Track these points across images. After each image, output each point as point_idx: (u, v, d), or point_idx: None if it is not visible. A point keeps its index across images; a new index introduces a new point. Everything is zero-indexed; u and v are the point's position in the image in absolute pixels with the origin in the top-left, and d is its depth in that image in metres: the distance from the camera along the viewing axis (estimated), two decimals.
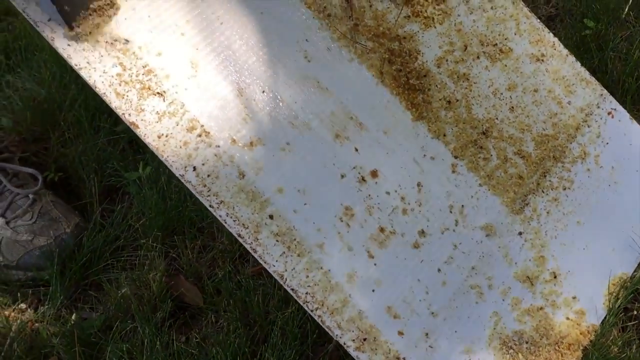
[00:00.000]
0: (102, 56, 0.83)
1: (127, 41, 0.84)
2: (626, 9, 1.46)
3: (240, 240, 0.85)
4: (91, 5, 0.81)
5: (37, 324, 1.02)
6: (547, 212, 1.02)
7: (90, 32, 0.82)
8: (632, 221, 1.07)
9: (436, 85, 1.01)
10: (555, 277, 1.00)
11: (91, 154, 1.21)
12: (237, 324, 1.02)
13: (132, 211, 1.15)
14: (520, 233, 1.00)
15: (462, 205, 0.98)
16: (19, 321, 1.02)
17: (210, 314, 1.05)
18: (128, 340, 1.00)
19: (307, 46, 0.95)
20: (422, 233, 0.95)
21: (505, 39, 1.08)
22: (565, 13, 1.54)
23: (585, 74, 1.12)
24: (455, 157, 0.99)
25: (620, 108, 1.12)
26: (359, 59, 0.98)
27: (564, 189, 1.05)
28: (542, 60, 1.10)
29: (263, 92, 0.91)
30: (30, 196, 1.13)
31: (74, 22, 0.79)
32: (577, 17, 1.50)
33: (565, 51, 1.12)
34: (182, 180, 0.85)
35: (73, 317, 1.02)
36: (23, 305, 1.06)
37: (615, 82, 1.30)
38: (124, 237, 1.13)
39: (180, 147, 0.85)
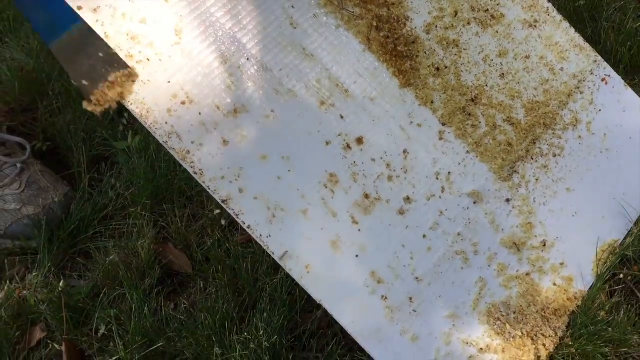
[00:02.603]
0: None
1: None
2: None
3: (224, 206, 0.90)
4: (109, 78, 0.84)
5: (24, 292, 1.08)
6: (536, 179, 1.06)
7: (107, 104, 0.86)
8: (624, 188, 1.10)
9: (425, 52, 1.05)
10: (543, 243, 1.04)
11: (79, 123, 1.26)
12: (225, 291, 1.07)
13: (121, 180, 1.20)
14: (507, 200, 1.04)
15: (449, 172, 1.02)
16: (6, 288, 1.07)
17: (199, 281, 1.10)
18: (116, 307, 1.06)
19: (293, 13, 0.99)
20: (407, 199, 0.99)
21: (497, 5, 1.11)
22: None
23: (580, 40, 1.15)
24: (443, 124, 1.03)
25: (614, 74, 1.15)
26: (346, 25, 1.01)
27: (554, 156, 1.08)
28: (535, 26, 1.12)
29: (248, 59, 0.94)
30: (18, 165, 1.18)
31: (92, 96, 0.83)
32: None
33: (559, 17, 1.14)
34: (166, 147, 0.89)
35: (61, 284, 1.07)
36: (11, 273, 1.12)
37: (609, 53, 1.33)
38: (113, 206, 1.18)
39: (164, 114, 0.89)
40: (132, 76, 0.86)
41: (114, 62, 0.84)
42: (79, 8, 0.88)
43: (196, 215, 1.18)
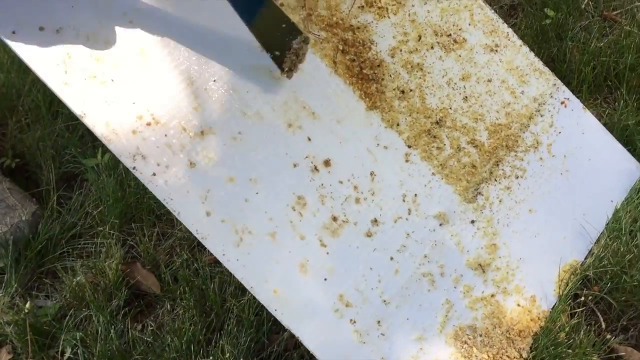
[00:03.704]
0: (48, 44, 0.81)
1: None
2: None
3: (191, 229, 0.85)
4: (293, 46, 0.88)
5: None
6: (500, 201, 1.04)
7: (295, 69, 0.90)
8: (584, 209, 1.09)
9: (390, 75, 1.02)
10: (506, 264, 1.01)
11: (49, 140, 1.19)
12: (193, 312, 1.02)
13: (90, 198, 1.14)
14: (472, 221, 1.01)
15: (415, 194, 0.99)
16: None
17: (166, 302, 1.04)
18: (83, 329, 1.00)
19: None
20: (374, 222, 0.95)
21: (460, 30, 1.09)
22: (527, 2, 1.55)
23: (539, 64, 1.13)
24: (409, 147, 1.00)
25: (573, 97, 1.14)
26: (313, 48, 0.98)
27: (517, 178, 1.06)
28: (496, 50, 1.11)
29: (214, 81, 0.90)
30: None
31: (283, 64, 0.88)
32: (538, 6, 1.51)
33: (519, 42, 1.13)
34: (131, 170, 0.84)
35: (27, 305, 1.01)
36: None
37: (573, 71, 1.32)
38: (81, 225, 1.12)
39: (129, 135, 0.84)
40: (306, 40, 0.88)
41: (292, 30, 0.85)
42: (41, 28, 0.82)
43: (165, 234, 1.12)
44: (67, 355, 0.99)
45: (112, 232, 1.10)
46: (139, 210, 1.14)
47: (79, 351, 0.97)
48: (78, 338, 0.98)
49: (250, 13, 0.82)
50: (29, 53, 0.82)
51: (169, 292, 1.06)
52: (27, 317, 0.99)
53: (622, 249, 1.02)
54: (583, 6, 1.46)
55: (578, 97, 1.26)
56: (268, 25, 0.82)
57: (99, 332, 0.98)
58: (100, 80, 0.84)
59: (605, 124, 1.21)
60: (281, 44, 0.83)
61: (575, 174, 1.10)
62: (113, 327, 0.99)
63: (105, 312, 1.00)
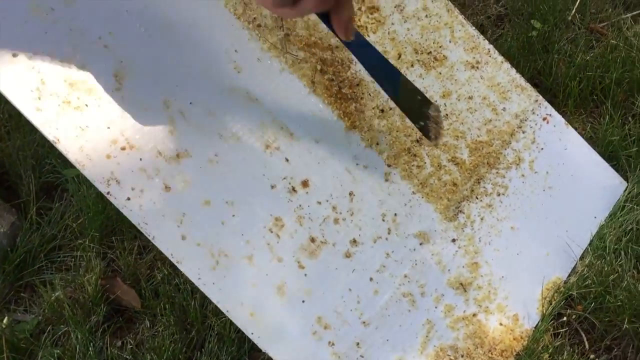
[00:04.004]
0: (21, 71, 0.80)
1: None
2: (573, 10, 1.46)
3: (166, 253, 0.84)
4: (431, 113, 0.86)
5: None
6: (481, 219, 1.02)
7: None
8: (567, 225, 1.07)
9: (369, 94, 1.01)
10: (488, 283, 0.99)
11: (29, 149, 1.18)
12: (174, 329, 1.00)
13: (70, 210, 1.13)
14: (453, 240, 1.00)
15: (395, 214, 0.97)
16: None
17: (147, 318, 1.03)
18: (61, 345, 0.98)
19: (237, 57, 0.94)
20: (354, 242, 0.94)
21: (440, 47, 1.08)
22: (514, 13, 1.54)
23: (521, 80, 1.12)
24: (389, 166, 0.99)
25: (555, 113, 1.13)
26: (290, 69, 0.96)
27: (498, 195, 1.04)
28: (477, 67, 1.09)
29: (190, 103, 0.89)
30: None
31: (430, 133, 0.86)
32: (525, 17, 1.50)
33: (500, 58, 1.12)
34: (106, 195, 0.83)
35: (4, 321, 0.99)
36: None
37: (559, 85, 1.30)
38: (61, 237, 1.11)
39: (103, 160, 0.83)
40: (438, 109, 0.86)
41: (425, 100, 0.85)
42: (14, 55, 0.81)
43: (146, 247, 1.11)
44: None
45: (92, 245, 1.09)
46: (119, 223, 1.13)
47: None
48: (56, 356, 0.97)
49: (394, 85, 0.81)
50: (1, 79, 0.81)
51: (149, 308, 1.05)
52: (3, 333, 0.97)
53: (606, 269, 1.00)
54: (570, 18, 1.44)
55: (563, 112, 1.25)
56: (408, 97, 0.82)
57: (77, 349, 0.97)
58: (75, 105, 0.83)
59: (589, 139, 1.20)
60: (421, 114, 0.84)
61: (558, 191, 1.09)
62: (92, 344, 0.98)
63: (84, 328, 0.99)
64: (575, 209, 1.09)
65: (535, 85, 1.34)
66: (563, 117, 1.17)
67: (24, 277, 1.09)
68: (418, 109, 0.84)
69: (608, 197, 1.12)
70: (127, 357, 0.99)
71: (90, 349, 0.96)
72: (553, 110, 1.13)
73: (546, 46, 1.38)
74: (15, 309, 1.06)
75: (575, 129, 1.19)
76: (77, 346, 0.97)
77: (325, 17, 0.63)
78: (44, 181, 1.18)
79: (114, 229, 1.12)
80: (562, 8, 1.43)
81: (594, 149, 1.14)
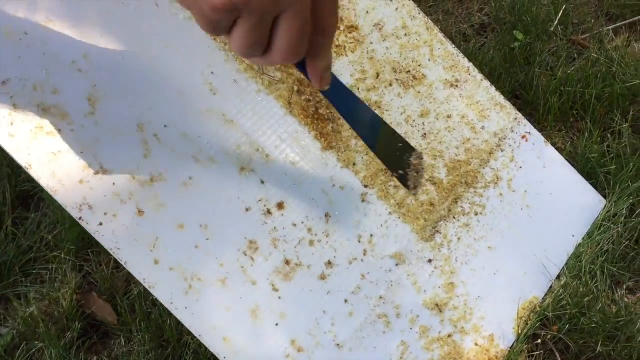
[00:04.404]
0: None
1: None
2: (556, 22, 1.44)
3: (138, 278, 0.83)
4: (412, 162, 0.80)
5: None
6: (458, 239, 1.01)
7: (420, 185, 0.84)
8: (545, 244, 1.06)
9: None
10: (464, 303, 0.98)
11: (4, 157, 1.16)
12: (149, 346, 0.99)
13: (46, 221, 1.12)
14: (430, 260, 0.98)
15: (371, 235, 0.96)
16: None
17: (122, 335, 1.02)
18: None
19: (213, 79, 0.92)
20: (329, 264, 0.93)
21: (419, 66, 1.06)
22: (497, 22, 1.52)
23: (500, 98, 1.10)
24: (365, 186, 0.97)
25: (534, 131, 1.11)
26: (267, 90, 0.95)
27: (476, 215, 1.03)
28: (457, 85, 1.08)
29: (165, 126, 0.88)
30: None
31: (408, 182, 0.79)
32: (508, 27, 1.48)
33: (480, 76, 1.10)
34: (78, 220, 0.82)
35: None
36: None
37: (540, 99, 1.29)
38: (37, 249, 1.10)
39: (76, 185, 0.82)
40: (421, 156, 0.80)
41: (407, 148, 0.79)
42: None
43: None
44: None
45: (68, 258, 1.08)
46: None
47: None
48: None
49: (373, 132, 0.80)
50: None
51: (125, 324, 1.04)
52: None
53: (581, 289, 0.98)
54: (552, 29, 1.42)
55: (544, 126, 1.23)
56: (387, 145, 0.78)
57: None
58: (47, 130, 0.82)
59: (569, 155, 1.18)
60: (401, 162, 0.80)
61: (536, 209, 1.07)
62: None
63: (58, 345, 0.98)
64: (553, 227, 1.07)
65: (516, 97, 1.33)
66: (543, 131, 1.15)
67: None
68: (398, 156, 0.82)
69: (587, 216, 1.11)
70: None
71: None
72: (532, 128, 1.12)
73: (528, 58, 1.37)
74: None
75: (555, 145, 1.17)
76: None
77: (300, 64, 0.62)
78: (20, 190, 1.17)
79: (90, 241, 1.11)
80: (544, 19, 1.41)
81: (574, 166, 1.13)
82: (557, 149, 1.17)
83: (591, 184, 1.12)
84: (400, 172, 0.84)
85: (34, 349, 1.00)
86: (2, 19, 0.82)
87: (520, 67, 1.34)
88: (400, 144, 0.85)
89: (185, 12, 0.93)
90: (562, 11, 1.43)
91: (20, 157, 0.80)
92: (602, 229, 1.05)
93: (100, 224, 0.82)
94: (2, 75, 0.81)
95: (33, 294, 1.05)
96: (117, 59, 0.88)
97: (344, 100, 0.76)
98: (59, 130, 0.83)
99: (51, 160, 0.81)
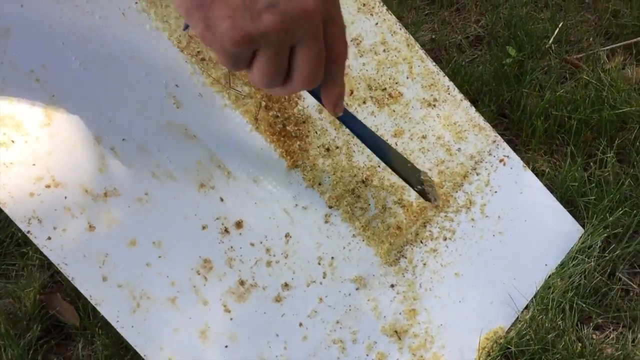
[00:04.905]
0: None
1: None
2: (551, 39, 1.37)
3: (85, 294, 0.80)
4: (422, 179, 0.84)
5: None
6: (424, 264, 0.96)
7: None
8: (515, 273, 1.01)
9: (316, 132, 0.95)
10: (425, 330, 0.94)
11: None
12: (110, 351, 0.97)
13: None
14: (392, 285, 0.94)
15: (332, 257, 0.92)
16: None
17: (83, 338, 0.99)
18: None
19: (177, 92, 0.88)
20: (285, 286, 0.89)
21: (396, 83, 1.01)
22: (492, 36, 1.46)
23: (479, 119, 1.05)
24: (330, 207, 0.93)
25: (513, 155, 1.06)
26: (233, 105, 0.91)
27: (445, 240, 0.98)
28: (434, 105, 1.03)
29: (123, 139, 0.84)
30: None
31: (429, 196, 0.84)
32: (502, 41, 1.41)
33: (460, 96, 1.04)
34: (26, 234, 0.79)
35: None
36: None
37: (526, 120, 1.22)
38: (7, 245, 1.08)
39: (26, 197, 0.79)
40: (426, 174, 0.84)
41: (414, 167, 0.82)
42: None
43: None
44: None
45: (36, 255, 1.06)
46: None
47: None
48: None
49: (386, 155, 0.79)
50: None
51: (87, 328, 1.02)
52: None
53: (547, 325, 0.93)
54: (547, 46, 1.35)
55: (527, 148, 1.17)
56: (400, 165, 0.80)
57: None
58: (0, 141, 0.79)
59: (549, 180, 1.12)
60: (416, 179, 0.82)
61: (509, 236, 1.02)
62: None
63: (17, 344, 0.96)
64: (525, 256, 1.02)
65: (503, 116, 1.27)
66: (525, 154, 1.10)
67: None
68: (411, 175, 0.82)
69: (562, 244, 1.05)
70: None
71: None
72: (512, 151, 1.06)
73: (519, 76, 1.30)
74: None
75: (537, 169, 1.12)
76: None
77: (314, 91, 0.60)
78: None
79: None
80: (540, 35, 1.34)
81: (553, 192, 1.07)
82: (538, 173, 1.12)
83: (570, 212, 1.06)
84: (419, 187, 0.83)
85: None
86: None
87: (510, 85, 1.27)
88: (409, 164, 0.83)
89: (153, 22, 0.89)
90: (558, 28, 1.35)
91: None
92: (575, 260, 1.00)
93: (49, 238, 0.79)
94: None
95: None
96: (78, 70, 0.84)
97: (356, 125, 0.75)
98: (12, 142, 0.80)
99: (2, 172, 0.79)
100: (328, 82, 0.53)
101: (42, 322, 1.02)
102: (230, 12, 0.42)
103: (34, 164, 0.80)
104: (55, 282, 1.07)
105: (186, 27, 0.59)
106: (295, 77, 0.49)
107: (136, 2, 0.87)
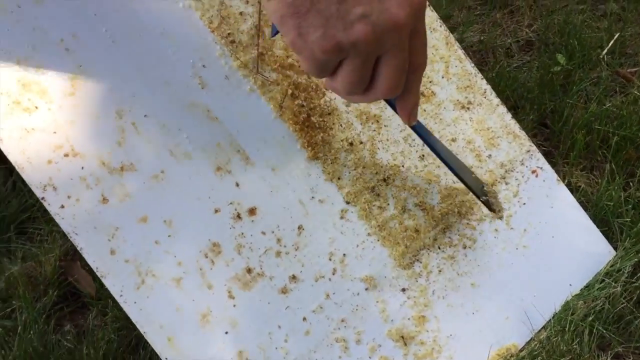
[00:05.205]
0: None
1: None
2: (605, 50, 1.29)
3: (92, 266, 0.79)
4: (486, 190, 0.87)
5: None
6: (439, 270, 0.92)
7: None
8: (535, 290, 0.95)
9: (341, 125, 0.91)
10: (433, 339, 0.90)
11: None
12: (121, 323, 0.97)
13: None
14: (403, 289, 0.90)
15: (344, 254, 0.89)
16: None
17: (97, 308, 1.00)
18: (14, 319, 0.98)
19: (204, 72, 0.87)
20: (293, 278, 0.86)
21: (430, 82, 0.97)
22: (542, 41, 1.38)
23: (515, 127, 0.99)
24: (347, 203, 0.90)
25: (547, 167, 0.99)
26: (259, 90, 0.89)
27: (464, 248, 0.94)
28: (468, 108, 0.97)
29: (145, 115, 0.83)
30: None
31: (494, 206, 0.88)
32: (552, 49, 1.34)
33: (496, 100, 0.99)
34: (41, 200, 0.79)
35: None
36: None
37: (567, 132, 1.15)
38: (37, 208, 1.09)
39: (44, 164, 0.79)
40: (487, 185, 0.87)
41: (477, 179, 0.85)
42: None
43: None
44: None
45: None
46: None
47: None
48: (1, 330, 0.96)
49: (453, 164, 0.81)
50: None
51: (102, 298, 1.02)
52: None
53: (562, 347, 0.87)
54: (600, 57, 1.27)
55: (564, 162, 1.10)
56: (466, 176, 0.82)
57: (24, 326, 0.95)
58: (24, 107, 0.79)
59: (584, 197, 1.05)
60: (480, 190, 0.85)
61: (533, 251, 0.97)
62: (36, 325, 0.96)
63: (32, 309, 0.98)
64: (549, 273, 0.96)
65: (544, 126, 1.20)
66: (562, 167, 1.03)
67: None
68: (476, 185, 0.82)
69: (590, 265, 0.99)
70: (69, 345, 0.96)
71: (31, 331, 0.94)
72: (546, 163, 1.00)
73: (566, 85, 1.23)
74: None
75: (571, 184, 1.05)
76: (19, 328, 0.95)
77: (390, 101, 0.62)
78: None
79: None
80: (593, 45, 1.26)
81: (586, 210, 1.00)
82: (573, 188, 1.05)
83: (602, 232, 1.00)
84: (485, 197, 0.84)
85: (10, 308, 1.00)
86: None
87: (555, 94, 1.20)
88: (473, 175, 0.84)
89: (186, 0, 0.87)
90: (614, 39, 1.27)
91: None
92: (602, 284, 0.93)
93: (62, 206, 0.79)
94: None
95: (21, 254, 1.05)
96: (107, 42, 0.83)
97: (427, 135, 0.74)
98: (36, 108, 0.79)
99: (22, 137, 0.79)
100: (405, 92, 0.54)
101: (59, 288, 1.03)
102: (324, 21, 0.44)
103: (54, 132, 0.80)
104: (77, 250, 1.08)
105: (275, 32, 0.58)
106: (378, 86, 0.50)
107: None
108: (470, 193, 0.93)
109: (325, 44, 0.44)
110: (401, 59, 0.48)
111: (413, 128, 0.75)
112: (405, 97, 0.55)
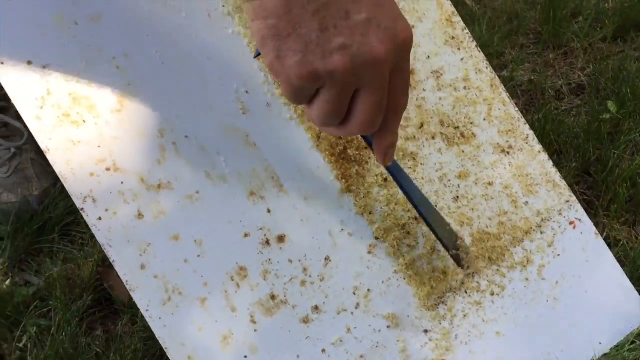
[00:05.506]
0: (31, 79, 0.79)
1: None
2: None
3: (122, 279, 0.81)
4: (459, 244, 0.86)
5: None
6: (464, 315, 0.90)
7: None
8: (563, 345, 0.92)
9: (375, 160, 0.90)
10: None
11: None
12: (150, 333, 0.98)
13: None
14: (426, 331, 0.88)
15: (369, 290, 0.88)
16: None
17: (127, 316, 1.02)
18: (48, 319, 1.00)
19: (246, 98, 0.88)
20: (315, 309, 0.86)
21: (471, 123, 0.95)
22: (594, 86, 1.34)
23: (555, 175, 0.96)
24: (377, 238, 0.89)
25: (586, 219, 0.96)
26: (299, 119, 0.89)
27: (492, 295, 0.91)
28: (508, 152, 0.95)
29: (186, 136, 0.85)
30: (12, 149, 1.12)
31: (462, 262, 0.87)
32: (604, 95, 1.30)
33: (538, 147, 0.97)
34: (80, 210, 0.81)
35: (8, 282, 1.03)
36: None
37: (612, 183, 1.11)
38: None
39: (86, 176, 0.81)
40: (463, 239, 0.85)
41: (452, 231, 0.84)
42: (29, 62, 0.80)
43: None
44: (22, 342, 0.99)
45: None
46: None
47: (29, 343, 0.97)
48: (33, 332, 0.98)
49: (427, 213, 0.80)
50: (12, 84, 0.81)
51: (134, 307, 1.04)
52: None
53: None
54: None
55: (605, 214, 1.06)
56: (439, 226, 0.81)
57: (57, 327, 0.98)
58: (73, 120, 0.81)
59: (623, 253, 1.01)
60: (452, 243, 0.83)
61: (564, 304, 0.93)
62: (69, 327, 0.98)
63: (67, 311, 1.00)
64: (578, 329, 0.93)
65: (588, 174, 1.16)
66: (602, 219, 1.00)
67: (43, 242, 1.11)
68: (448, 238, 0.81)
69: (622, 325, 0.95)
70: (97, 350, 0.98)
71: (63, 333, 0.97)
72: (585, 215, 0.97)
73: (614, 134, 1.18)
74: (23, 271, 1.08)
75: (610, 237, 1.01)
76: (53, 329, 0.97)
77: (367, 137, 0.60)
78: None
79: None
80: None
81: (623, 267, 0.96)
82: (612, 242, 1.01)
83: (639, 291, 0.95)
84: (454, 252, 0.82)
85: (46, 308, 1.02)
86: (57, 7, 0.82)
87: (602, 142, 1.16)
88: (448, 227, 0.82)
89: (235, 27, 0.88)
90: None
91: (42, 140, 0.80)
92: (632, 345, 0.89)
93: (100, 218, 0.81)
94: (44, 59, 0.81)
95: (62, 256, 1.08)
96: (157, 63, 0.85)
97: (402, 177, 0.72)
98: (84, 122, 0.82)
99: (69, 149, 0.81)
100: (383, 130, 0.52)
101: (94, 293, 1.06)
102: (304, 47, 0.43)
103: (99, 146, 0.82)
104: None
105: (258, 54, 0.58)
106: (353, 120, 0.49)
107: (223, 6, 0.87)
108: (504, 239, 0.91)
109: (301, 70, 0.44)
110: (379, 96, 0.47)
111: (388, 169, 0.72)
112: (382, 135, 0.54)
